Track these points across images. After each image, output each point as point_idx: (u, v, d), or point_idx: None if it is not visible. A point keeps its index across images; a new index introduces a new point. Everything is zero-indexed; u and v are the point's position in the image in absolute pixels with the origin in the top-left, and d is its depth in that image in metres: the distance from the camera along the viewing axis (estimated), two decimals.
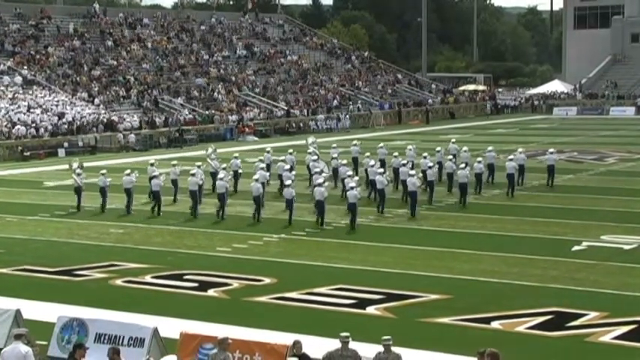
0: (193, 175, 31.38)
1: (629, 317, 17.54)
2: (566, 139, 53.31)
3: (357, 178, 31.37)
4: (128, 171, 32.91)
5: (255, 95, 73.58)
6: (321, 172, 32.41)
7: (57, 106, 59.66)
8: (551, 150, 38.05)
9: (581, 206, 31.26)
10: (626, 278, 20.84)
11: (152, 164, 34.11)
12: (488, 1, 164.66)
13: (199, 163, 34.09)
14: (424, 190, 32.50)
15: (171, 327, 16.33)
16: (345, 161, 36.06)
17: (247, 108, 69.67)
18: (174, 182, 33.77)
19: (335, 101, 77.44)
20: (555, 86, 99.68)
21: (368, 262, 22.89)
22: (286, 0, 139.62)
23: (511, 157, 34.93)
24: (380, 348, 13.09)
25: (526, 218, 29.12)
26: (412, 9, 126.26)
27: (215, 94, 70.96)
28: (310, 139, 42.39)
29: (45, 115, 57.68)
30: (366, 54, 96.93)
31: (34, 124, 55.67)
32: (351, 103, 78.08)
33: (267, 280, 21.14)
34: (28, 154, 52.28)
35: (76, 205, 32.54)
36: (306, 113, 72.54)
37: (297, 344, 13.50)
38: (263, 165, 35.08)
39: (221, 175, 31.58)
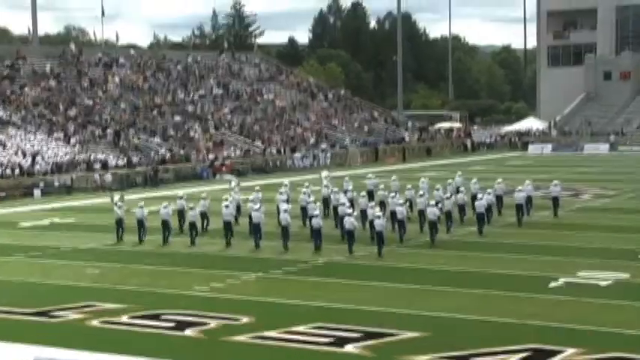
0: (227, 207, 32.36)
1: (606, 353, 17.58)
2: (541, 176, 53.61)
3: (378, 208, 32.53)
4: (165, 203, 33.73)
5: (232, 134, 73.69)
6: (344, 203, 33.32)
7: (33, 146, 59.48)
8: (555, 182, 39.03)
9: (557, 242, 31.38)
10: (603, 314, 20.91)
11: (181, 197, 35.58)
12: (462, 40, 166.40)
13: (226, 196, 35.49)
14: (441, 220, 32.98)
15: None
16: (363, 193, 36.91)
17: (224, 146, 69.78)
18: (204, 214, 34.59)
19: (312, 139, 77.70)
20: (530, 123, 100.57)
21: (346, 300, 22.84)
22: (262, 39, 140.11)
23: (520, 188, 36.40)
24: None
25: (503, 255, 29.22)
26: (387, 48, 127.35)
27: (191, 132, 71.00)
28: (324, 173, 44.25)
29: (20, 156, 57.46)
30: (342, 92, 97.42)
31: (9, 165, 55.43)
32: (326, 141, 78.28)
33: (244, 320, 21.03)
34: (4, 194, 51.99)
35: (116, 237, 33.39)
36: (282, 151, 72.71)
37: None
38: (284, 197, 35.71)
39: (256, 206, 32.33)
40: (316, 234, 30.25)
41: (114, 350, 18.43)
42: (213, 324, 20.70)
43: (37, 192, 53.57)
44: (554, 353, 17.72)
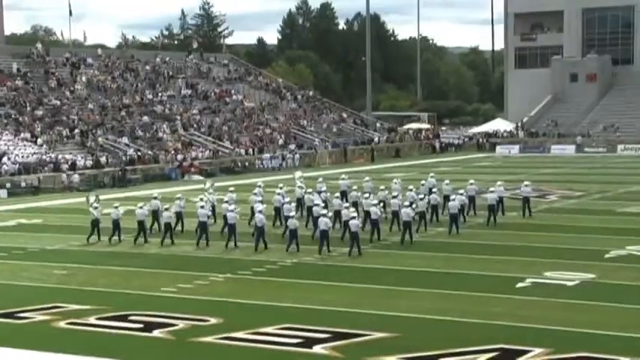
0: (202, 207, 32.69)
1: (573, 353, 17.74)
2: (508, 177, 53.93)
3: (353, 208, 32.81)
4: (141, 204, 33.95)
5: (200, 135, 73.48)
6: (319, 204, 33.74)
7: None
8: (526, 183, 39.80)
9: (524, 243, 31.58)
10: (569, 314, 21.08)
11: (155, 198, 35.66)
12: (431, 41, 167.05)
13: (202, 196, 35.58)
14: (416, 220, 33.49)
15: None
16: (337, 194, 37.39)
17: (192, 147, 69.59)
18: (179, 214, 34.77)
19: (280, 140, 77.66)
20: (498, 124, 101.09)
21: (314, 301, 22.88)
22: (231, 40, 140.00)
23: (492, 189, 37.06)
24: None
25: (471, 255, 29.37)
26: (356, 48, 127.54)
27: (160, 133, 70.71)
28: (297, 174, 44.27)
29: None
30: (310, 93, 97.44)
31: None
32: (294, 141, 78.29)
33: (213, 320, 21.00)
34: None
35: (88, 238, 33.27)
36: (252, 152, 72.60)
37: None
38: (259, 198, 35.89)
39: (231, 207, 32.79)
40: (292, 234, 30.40)
41: (81, 352, 18.34)
42: (181, 325, 20.65)
43: (3, 192, 53.11)
44: (522, 353, 17.84)
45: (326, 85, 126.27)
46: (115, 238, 33.05)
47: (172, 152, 66.57)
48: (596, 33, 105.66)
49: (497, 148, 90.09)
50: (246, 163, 69.77)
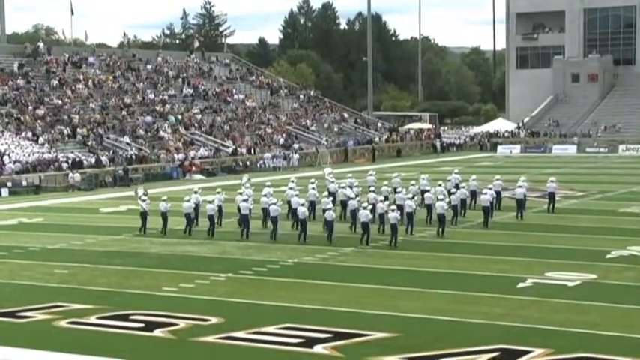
0: (245, 201, 33.92)
1: (574, 354, 17.73)
2: (510, 177, 53.87)
3: (387, 202, 34.27)
4: (187, 197, 35.66)
5: (201, 134, 73.49)
6: (353, 197, 35.51)
7: (1, 145, 58.97)
8: (551, 179, 41.14)
9: (525, 243, 31.59)
10: (570, 315, 21.08)
11: (196, 192, 36.79)
12: (432, 41, 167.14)
13: (241, 191, 36.87)
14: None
15: None
16: (372, 188, 38.76)
17: (193, 146, 69.60)
18: (220, 208, 35.91)
19: (281, 140, 77.67)
20: (499, 125, 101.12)
21: (315, 301, 22.88)
22: (232, 39, 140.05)
23: (520, 184, 38.42)
24: None
25: (471, 255, 29.38)
26: (358, 48, 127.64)
27: (161, 132, 70.71)
28: (327, 170, 46.30)
29: None
30: (312, 93, 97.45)
31: None
32: (296, 141, 78.33)
33: (213, 320, 21.01)
34: None
35: (139, 229, 34.84)
36: (252, 152, 72.62)
37: None
38: (295, 193, 37.26)
39: (272, 200, 33.92)
40: (329, 225, 31.90)
41: (82, 351, 18.34)
42: (182, 324, 20.65)
43: (4, 191, 53.11)
44: (523, 353, 17.84)
45: (327, 84, 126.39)
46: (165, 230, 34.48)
47: (174, 151, 66.50)
48: (598, 33, 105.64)
49: (499, 148, 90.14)
50: (247, 163, 69.78)
